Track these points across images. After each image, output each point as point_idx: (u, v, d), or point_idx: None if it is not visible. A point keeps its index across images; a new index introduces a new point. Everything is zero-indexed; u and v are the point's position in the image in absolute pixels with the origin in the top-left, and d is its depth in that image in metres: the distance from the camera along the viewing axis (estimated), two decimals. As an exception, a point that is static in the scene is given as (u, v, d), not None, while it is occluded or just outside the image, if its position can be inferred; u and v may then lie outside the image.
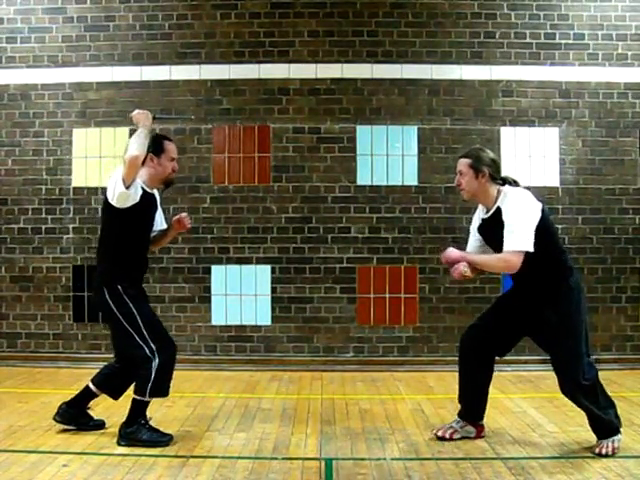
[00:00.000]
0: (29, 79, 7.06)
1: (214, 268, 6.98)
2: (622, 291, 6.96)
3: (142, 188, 4.18)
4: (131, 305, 4.17)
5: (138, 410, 4.20)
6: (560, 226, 6.94)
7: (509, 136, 6.99)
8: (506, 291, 4.47)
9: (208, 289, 6.97)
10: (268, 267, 6.99)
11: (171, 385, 4.27)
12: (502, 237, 3.93)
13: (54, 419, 4.44)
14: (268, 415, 4.95)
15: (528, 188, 6.81)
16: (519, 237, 3.86)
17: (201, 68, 7.02)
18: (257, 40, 7.00)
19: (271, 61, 6.98)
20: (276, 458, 3.93)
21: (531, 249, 3.86)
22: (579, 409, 4.12)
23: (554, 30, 6.98)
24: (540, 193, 6.90)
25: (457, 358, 4.40)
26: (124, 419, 4.22)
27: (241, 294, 6.98)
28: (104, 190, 4.26)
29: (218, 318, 6.97)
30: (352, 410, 5.10)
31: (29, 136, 7.07)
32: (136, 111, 4.26)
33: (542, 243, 3.92)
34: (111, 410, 4.83)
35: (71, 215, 7.04)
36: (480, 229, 4.23)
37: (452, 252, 4.08)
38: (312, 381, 6.21)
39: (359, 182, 6.98)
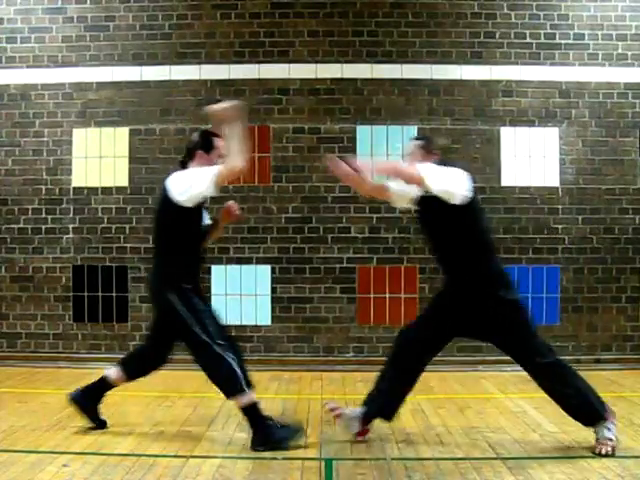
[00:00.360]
0: (29, 79, 7.06)
1: (214, 268, 6.98)
2: (622, 291, 6.96)
3: None
4: (195, 305, 4.12)
5: (253, 412, 4.08)
6: (560, 226, 6.96)
7: (509, 136, 6.99)
8: (440, 292, 4.33)
9: (208, 289, 6.96)
10: (268, 267, 6.99)
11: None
12: (436, 220, 4.01)
13: (70, 395, 4.41)
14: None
15: (528, 188, 6.95)
16: (430, 170, 3.89)
17: (201, 68, 7.02)
18: (257, 40, 7.00)
19: (271, 61, 6.99)
20: (276, 458, 3.93)
21: (429, 183, 3.81)
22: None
23: (554, 30, 6.98)
24: (540, 193, 6.96)
25: (389, 356, 4.30)
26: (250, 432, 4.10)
27: (241, 294, 6.98)
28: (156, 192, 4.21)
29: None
30: (352, 410, 5.09)
31: (29, 136, 7.07)
32: (218, 106, 4.00)
33: (468, 223, 3.97)
34: (111, 410, 4.83)
35: (71, 215, 7.04)
36: (419, 202, 4.14)
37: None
38: (312, 381, 6.20)
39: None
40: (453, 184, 3.93)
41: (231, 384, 4.05)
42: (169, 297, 4.11)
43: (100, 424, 4.47)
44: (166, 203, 4.13)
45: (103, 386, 4.46)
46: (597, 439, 4.01)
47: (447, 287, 4.23)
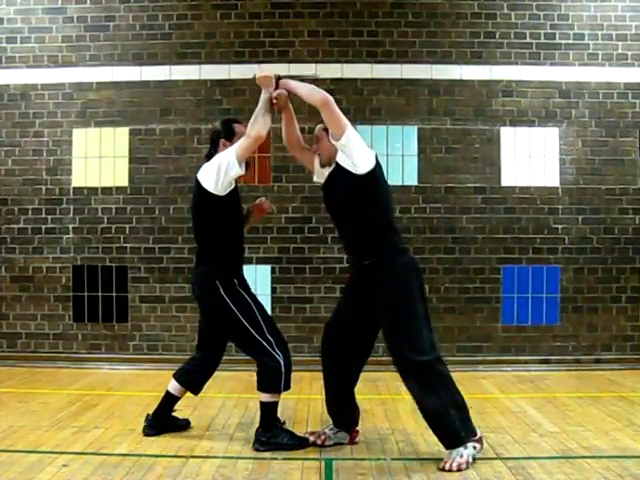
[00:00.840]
0: (29, 79, 7.05)
1: (214, 268, 6.97)
2: (622, 291, 6.96)
3: None
4: (247, 299, 4.12)
5: (271, 412, 4.12)
6: (560, 226, 6.96)
7: (509, 136, 6.98)
8: (347, 284, 4.34)
9: (208, 289, 6.96)
10: (268, 267, 6.98)
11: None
12: (341, 196, 3.97)
13: (145, 433, 4.34)
14: (268, 415, 4.94)
15: (528, 188, 6.95)
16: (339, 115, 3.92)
17: (201, 68, 7.02)
18: (257, 40, 7.00)
19: (271, 61, 6.98)
20: (276, 458, 3.93)
21: (331, 104, 3.89)
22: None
23: (554, 30, 6.98)
24: (540, 193, 6.96)
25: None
26: (258, 424, 4.15)
27: (241, 294, 6.97)
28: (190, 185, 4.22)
29: (218, 318, 6.96)
30: (352, 410, 5.09)
31: (29, 136, 7.07)
32: (259, 73, 4.15)
33: (371, 196, 3.94)
34: (110, 410, 4.84)
35: (71, 215, 7.04)
36: (327, 180, 4.15)
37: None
38: (312, 381, 6.20)
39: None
40: (362, 150, 3.96)
41: (272, 382, 4.07)
42: (221, 293, 4.09)
43: (185, 424, 4.51)
44: (202, 197, 4.13)
45: (169, 401, 4.45)
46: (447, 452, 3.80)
47: (356, 283, 4.11)
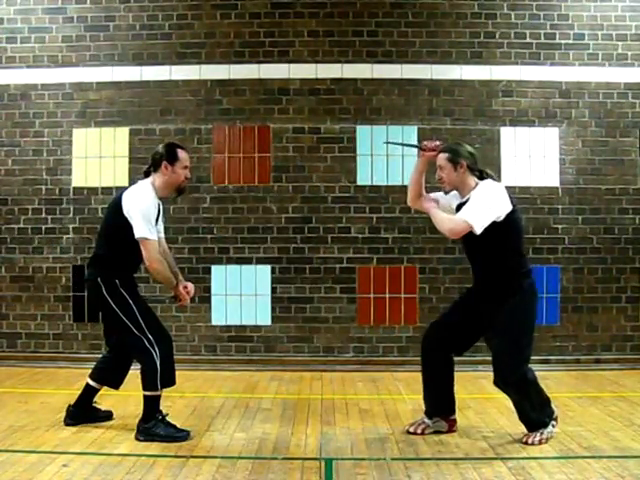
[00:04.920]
0: (29, 79, 7.06)
1: (214, 268, 6.98)
2: (622, 291, 6.96)
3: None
4: (127, 298, 4.28)
5: (152, 405, 4.27)
6: (560, 226, 6.96)
7: (509, 136, 6.99)
8: (467, 291, 4.55)
9: (208, 289, 6.97)
10: (268, 267, 6.99)
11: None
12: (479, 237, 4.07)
13: (65, 422, 4.53)
14: (268, 415, 4.95)
15: (528, 188, 6.94)
16: (474, 213, 4.02)
17: (201, 68, 7.02)
18: (257, 40, 7.00)
19: (271, 61, 6.98)
20: (276, 458, 3.93)
21: (478, 230, 4.00)
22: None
23: (554, 30, 6.98)
24: (540, 193, 6.96)
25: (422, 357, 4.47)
26: (140, 416, 4.30)
27: (241, 294, 6.98)
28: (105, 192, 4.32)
29: (218, 318, 6.97)
30: (352, 410, 5.10)
31: (29, 136, 7.07)
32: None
33: (506, 240, 4.14)
34: (112, 410, 4.83)
35: (71, 215, 7.04)
36: (456, 211, 4.28)
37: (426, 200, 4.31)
38: (312, 381, 6.20)
39: (359, 182, 6.98)
40: (496, 211, 4.07)
41: (149, 380, 4.24)
42: (103, 292, 4.29)
43: (106, 416, 4.65)
44: (116, 215, 4.34)
45: (88, 393, 4.63)
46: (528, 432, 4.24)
47: (477, 293, 4.36)
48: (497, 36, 6.98)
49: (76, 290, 7.00)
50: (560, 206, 6.96)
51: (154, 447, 4.11)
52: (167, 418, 4.31)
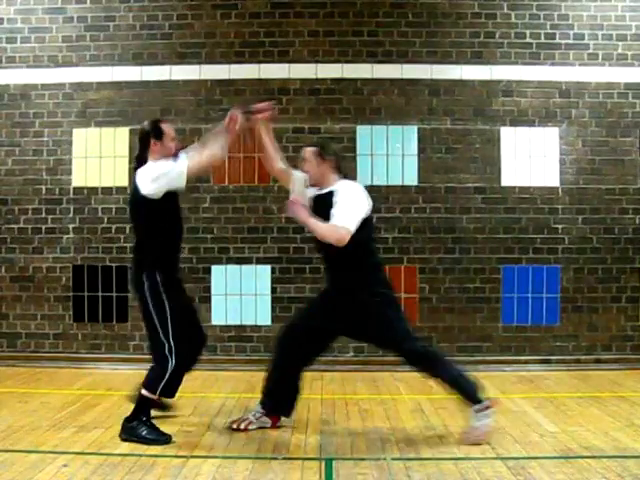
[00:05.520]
0: (29, 79, 7.06)
1: (214, 268, 6.98)
2: (622, 291, 6.96)
3: None
4: (164, 300, 4.28)
5: (144, 406, 4.28)
6: (560, 226, 6.96)
7: (509, 136, 6.99)
8: (321, 291, 4.66)
9: (208, 289, 6.97)
10: (268, 267, 6.99)
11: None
12: (328, 216, 4.17)
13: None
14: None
15: (528, 188, 6.95)
16: (349, 217, 4.16)
17: (201, 68, 7.02)
18: (257, 40, 7.00)
19: (271, 61, 6.98)
20: (276, 458, 3.93)
21: (353, 231, 4.14)
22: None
23: (554, 30, 6.98)
24: (540, 193, 6.96)
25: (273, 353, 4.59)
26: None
27: (241, 294, 6.98)
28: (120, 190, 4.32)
29: (218, 318, 6.97)
30: (352, 410, 5.10)
31: (29, 136, 7.07)
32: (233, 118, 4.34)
33: (361, 237, 4.22)
34: (110, 410, 4.84)
35: (71, 215, 7.04)
36: (313, 202, 4.41)
37: (300, 211, 4.23)
38: (312, 381, 6.18)
39: (359, 182, 6.96)
40: (363, 212, 4.29)
41: (153, 381, 4.27)
42: (144, 288, 4.29)
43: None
44: (137, 198, 4.32)
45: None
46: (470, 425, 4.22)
47: (330, 292, 4.45)
48: (497, 36, 6.98)
49: (76, 290, 7.01)
50: (560, 206, 6.96)
51: (154, 447, 4.11)
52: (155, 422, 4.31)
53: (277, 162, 4.62)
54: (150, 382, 4.27)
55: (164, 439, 4.21)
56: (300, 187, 4.49)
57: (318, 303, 4.57)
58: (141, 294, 4.30)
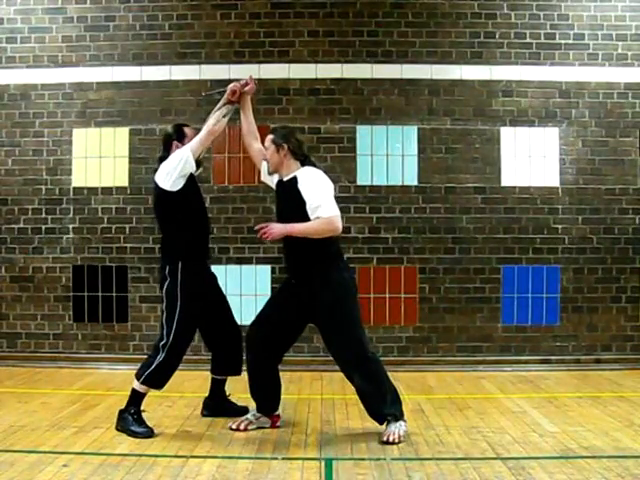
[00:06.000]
0: (29, 79, 7.05)
1: (214, 268, 6.95)
2: (622, 291, 6.96)
3: None
4: (187, 297, 4.48)
5: (134, 399, 4.43)
6: (560, 226, 6.96)
7: (509, 136, 6.98)
8: (282, 284, 4.72)
9: (208, 289, 6.96)
10: (268, 267, 6.99)
11: (168, 383, 4.46)
12: (292, 203, 4.33)
13: (202, 414, 4.86)
14: (268, 415, 4.94)
15: (528, 188, 6.95)
16: (329, 204, 4.27)
17: (201, 68, 7.02)
18: (257, 40, 6.99)
19: (271, 61, 6.98)
20: (276, 458, 3.94)
21: (339, 213, 4.27)
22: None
23: (554, 30, 6.98)
24: (540, 193, 6.96)
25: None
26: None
27: (241, 294, 6.98)
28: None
29: (218, 318, 6.96)
30: (352, 410, 5.09)
31: (29, 136, 7.07)
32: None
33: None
34: (110, 410, 4.84)
35: (71, 215, 7.04)
36: (277, 189, 4.62)
37: (276, 228, 4.42)
38: (312, 381, 6.20)
39: (359, 182, 6.98)
40: (332, 194, 4.41)
41: (142, 370, 4.43)
42: (177, 282, 4.50)
43: (241, 411, 4.80)
44: (160, 195, 4.56)
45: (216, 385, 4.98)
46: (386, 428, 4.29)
47: (293, 285, 4.50)
48: (497, 36, 6.98)
49: (76, 290, 7.01)
50: (560, 206, 6.96)
51: (154, 447, 4.12)
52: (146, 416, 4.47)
53: (253, 140, 4.83)
54: (138, 370, 4.45)
55: (145, 433, 4.32)
56: (266, 173, 4.69)
57: (281, 295, 4.61)
58: (161, 290, 4.57)
